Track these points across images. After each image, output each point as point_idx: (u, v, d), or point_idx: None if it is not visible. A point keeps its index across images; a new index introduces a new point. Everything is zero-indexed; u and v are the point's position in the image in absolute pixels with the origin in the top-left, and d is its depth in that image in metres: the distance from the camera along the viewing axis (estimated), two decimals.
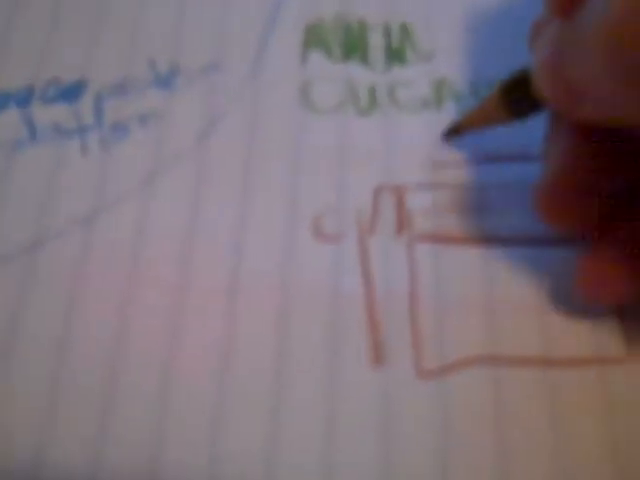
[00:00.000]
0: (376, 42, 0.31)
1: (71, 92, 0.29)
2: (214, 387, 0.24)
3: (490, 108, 0.27)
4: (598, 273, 0.24)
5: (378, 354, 0.25)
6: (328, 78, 0.31)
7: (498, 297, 0.26)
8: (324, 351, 0.25)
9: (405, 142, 0.29)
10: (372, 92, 0.30)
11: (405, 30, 0.32)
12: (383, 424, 0.24)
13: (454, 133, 0.29)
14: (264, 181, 0.28)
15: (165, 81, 0.30)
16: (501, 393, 0.24)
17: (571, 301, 0.26)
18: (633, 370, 0.25)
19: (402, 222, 0.27)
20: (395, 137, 0.29)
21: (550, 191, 0.24)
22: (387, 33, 0.32)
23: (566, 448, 0.24)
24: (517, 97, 0.26)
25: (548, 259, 0.26)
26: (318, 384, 0.24)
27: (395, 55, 0.31)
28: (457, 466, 0.23)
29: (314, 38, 0.31)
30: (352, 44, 0.31)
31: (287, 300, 0.26)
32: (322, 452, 0.23)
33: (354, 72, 0.31)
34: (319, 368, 0.25)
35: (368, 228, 0.27)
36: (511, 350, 0.25)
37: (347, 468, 0.23)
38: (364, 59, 0.31)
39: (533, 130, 0.27)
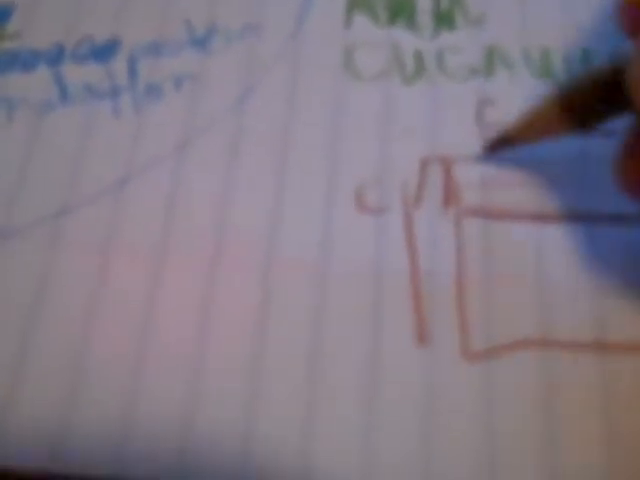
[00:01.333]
0: (424, 5, 0.30)
1: (104, 51, 0.28)
2: (249, 365, 0.23)
3: (547, 117, 0.24)
4: None
5: (422, 333, 0.23)
6: (372, 43, 0.29)
7: (550, 277, 0.24)
8: (366, 328, 0.24)
9: (453, 111, 0.27)
10: (419, 58, 0.29)
11: None
12: (426, 405, 0.23)
13: (500, 145, 0.26)
14: (303, 149, 0.27)
15: (201, 42, 0.29)
16: (551, 379, 0.23)
17: (629, 283, 0.24)
18: None
19: (449, 195, 0.26)
20: (442, 106, 0.28)
21: (632, 162, 0.22)
22: None
23: (618, 437, 0.22)
24: (586, 103, 0.23)
25: (604, 238, 0.25)
26: (359, 362, 0.23)
27: (444, 19, 0.30)
28: (502, 451, 0.22)
29: (359, 1, 0.30)
30: (398, 7, 0.30)
31: (327, 274, 0.24)
32: (363, 432, 0.22)
33: (400, 37, 0.29)
34: (361, 346, 0.23)
35: (413, 201, 0.26)
36: (563, 333, 0.23)
37: (388, 449, 0.22)
38: (411, 24, 0.30)
39: None
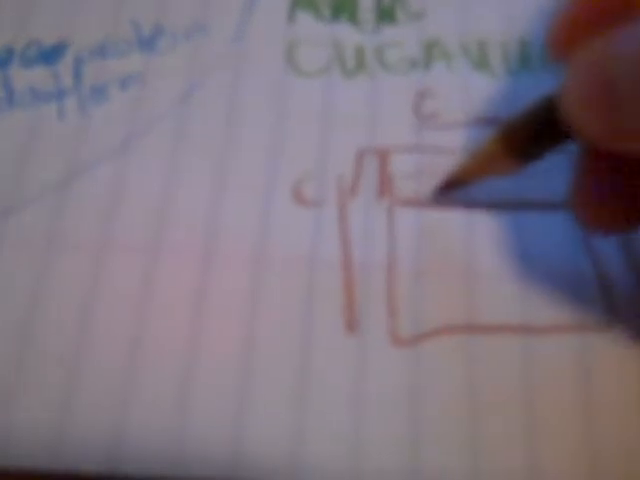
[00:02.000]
0: (366, 2, 0.30)
1: (51, 54, 0.29)
2: (185, 350, 0.24)
3: (492, 158, 0.24)
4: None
5: (352, 320, 0.24)
6: (315, 39, 0.30)
7: (479, 264, 0.25)
8: (298, 315, 0.24)
9: (391, 104, 0.28)
10: (360, 53, 0.29)
11: None
12: (355, 390, 0.23)
13: (450, 188, 0.26)
14: (244, 144, 0.27)
15: (148, 43, 0.29)
16: (477, 362, 0.23)
17: (553, 268, 0.24)
18: (612, 339, 0.24)
19: (384, 186, 0.26)
20: (381, 99, 0.28)
21: (583, 195, 0.22)
22: None
23: (541, 415, 0.23)
24: (526, 141, 0.22)
25: (531, 225, 0.25)
26: (291, 348, 0.24)
27: (385, 15, 0.30)
28: (429, 434, 0.23)
29: None
30: (341, 4, 0.30)
31: (263, 264, 0.25)
32: (293, 417, 0.23)
33: (342, 33, 0.30)
34: (293, 332, 0.24)
35: (349, 192, 0.26)
36: (489, 318, 0.24)
37: (318, 433, 0.23)
38: (353, 19, 0.30)
39: (523, 96, 0.25)
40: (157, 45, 0.29)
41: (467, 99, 0.28)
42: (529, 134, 0.22)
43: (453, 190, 0.26)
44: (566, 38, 0.20)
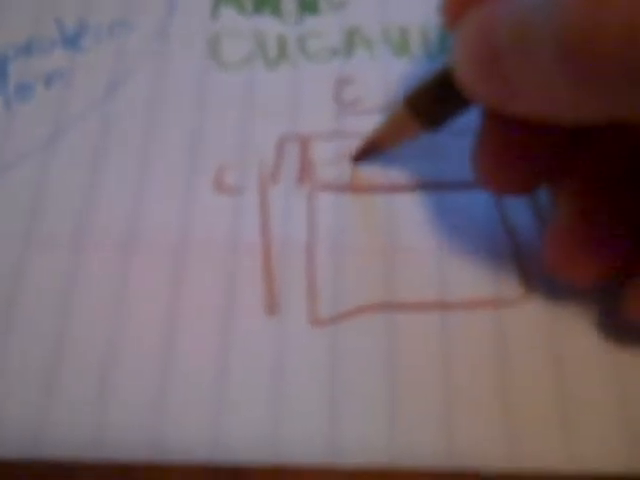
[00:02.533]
0: None
1: None
2: (107, 334, 0.24)
3: (400, 123, 0.25)
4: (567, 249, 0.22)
5: (272, 303, 0.24)
6: (238, 32, 0.30)
7: (397, 244, 0.25)
8: (219, 300, 0.25)
9: (312, 92, 0.29)
10: (282, 44, 0.30)
11: None
12: (276, 371, 0.23)
13: (365, 155, 0.27)
14: (168, 136, 0.28)
15: (72, 40, 0.30)
16: (395, 339, 0.24)
17: (469, 245, 0.25)
18: (527, 310, 0.24)
19: (305, 172, 0.27)
20: (302, 87, 0.29)
21: (485, 156, 0.23)
22: None
23: (459, 391, 0.23)
24: (428, 102, 0.23)
25: (449, 204, 0.26)
26: (212, 331, 0.24)
27: (307, 5, 0.31)
28: (348, 413, 0.23)
29: None
30: None
31: (185, 251, 0.25)
32: (214, 398, 0.23)
33: (265, 25, 0.30)
34: (214, 316, 0.24)
35: (270, 179, 0.27)
36: (408, 296, 0.24)
37: (238, 414, 0.23)
38: (276, 11, 0.31)
39: None
40: (81, 42, 0.30)
41: (387, 84, 0.28)
42: (431, 99, 0.23)
43: (369, 157, 0.26)
44: (456, 8, 0.20)
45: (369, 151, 0.26)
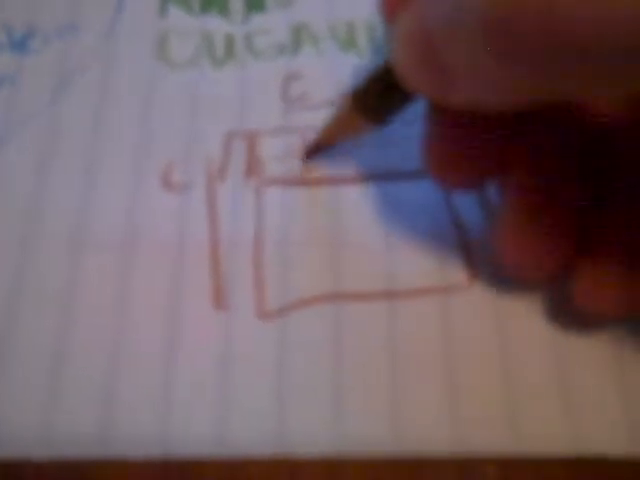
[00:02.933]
0: None
1: None
2: (55, 329, 0.24)
3: (347, 120, 0.25)
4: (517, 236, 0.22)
5: (219, 298, 0.24)
6: (185, 32, 0.30)
7: (344, 236, 0.25)
8: (167, 296, 0.25)
9: (259, 89, 0.29)
10: (229, 42, 0.30)
11: None
12: (224, 366, 0.23)
13: (315, 152, 0.27)
14: (115, 135, 0.28)
15: (20, 44, 0.30)
16: (343, 330, 0.24)
17: (416, 234, 0.25)
18: (473, 297, 0.24)
19: (252, 168, 0.27)
20: (249, 85, 0.29)
21: (434, 147, 0.23)
22: None
23: (406, 380, 0.23)
24: (373, 98, 0.24)
25: (395, 193, 0.26)
26: (160, 327, 0.24)
27: (254, 3, 0.31)
28: (296, 404, 0.23)
29: None
30: None
31: (132, 248, 0.25)
32: (162, 394, 0.23)
33: (212, 24, 0.30)
34: (161, 313, 0.24)
35: (217, 175, 0.27)
36: (355, 287, 0.24)
37: (187, 409, 0.23)
38: (223, 11, 0.31)
39: None
40: (29, 45, 0.30)
41: (335, 79, 0.28)
42: (376, 95, 0.23)
43: (317, 154, 0.26)
44: (393, 4, 0.20)
45: (318, 148, 0.26)
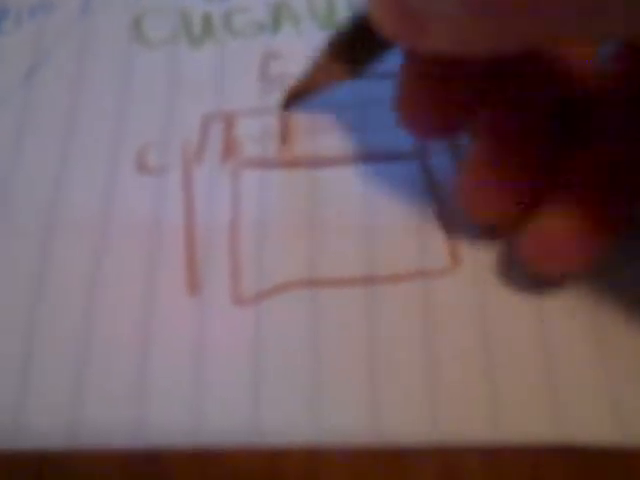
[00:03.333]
0: None
1: None
2: (26, 311, 0.24)
3: (324, 68, 0.25)
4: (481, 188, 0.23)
5: (194, 282, 0.24)
6: (162, 10, 0.29)
7: (322, 219, 0.25)
8: (141, 280, 0.24)
9: (238, 68, 0.28)
10: (207, 21, 0.29)
11: None
12: (198, 352, 0.23)
13: (293, 100, 0.26)
14: (90, 116, 0.27)
15: None
16: (319, 315, 0.23)
17: (396, 218, 0.24)
18: (455, 281, 0.24)
19: (229, 149, 0.26)
20: (228, 64, 0.28)
21: (407, 99, 0.23)
22: None
23: (386, 367, 0.23)
24: (350, 46, 0.24)
25: (373, 177, 0.25)
26: (134, 314, 0.24)
27: None
28: (271, 392, 0.22)
29: None
30: None
31: (107, 231, 0.25)
32: (135, 381, 0.23)
33: (189, 2, 0.30)
34: (135, 298, 0.24)
35: (194, 157, 0.26)
36: (333, 272, 0.24)
37: (160, 397, 0.22)
38: None
39: None
40: (1, 26, 0.29)
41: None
42: (352, 42, 0.23)
43: (296, 103, 0.26)
44: None
45: (296, 97, 0.26)
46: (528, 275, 0.23)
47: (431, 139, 0.25)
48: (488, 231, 0.24)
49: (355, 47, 0.23)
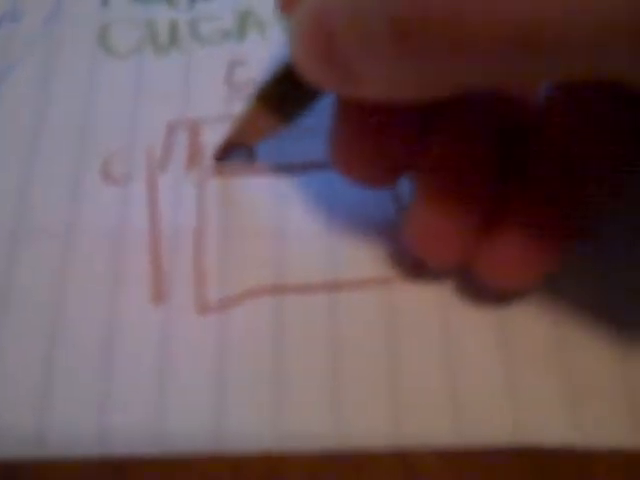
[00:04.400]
0: None
1: None
2: None
3: (255, 119, 0.24)
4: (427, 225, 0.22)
5: (159, 291, 0.24)
6: (128, 20, 0.29)
7: (286, 226, 0.25)
8: (105, 289, 0.24)
9: (203, 76, 0.28)
10: (173, 29, 0.29)
11: None
12: (162, 361, 0.23)
13: (227, 152, 0.26)
14: (55, 127, 0.27)
15: None
16: (283, 322, 0.23)
17: (359, 224, 0.25)
18: (417, 287, 0.24)
19: (194, 157, 0.26)
20: (194, 72, 0.28)
21: (341, 143, 0.22)
22: None
23: (348, 374, 0.23)
24: (279, 96, 0.23)
25: (337, 184, 0.25)
26: (98, 322, 0.24)
27: None
28: (235, 399, 0.23)
29: None
30: None
31: (71, 239, 0.25)
32: (98, 391, 0.23)
33: (156, 12, 0.30)
34: (100, 307, 0.24)
35: (158, 166, 0.26)
36: (297, 278, 0.24)
37: (123, 406, 0.22)
38: None
39: None
40: None
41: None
42: (280, 93, 0.22)
43: (230, 154, 0.26)
44: None
45: (228, 149, 0.26)
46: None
47: (369, 187, 0.24)
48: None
49: (284, 96, 0.23)
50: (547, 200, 0.21)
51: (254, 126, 0.24)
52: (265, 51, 0.29)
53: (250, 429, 0.22)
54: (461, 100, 0.20)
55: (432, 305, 0.23)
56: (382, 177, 0.22)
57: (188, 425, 0.22)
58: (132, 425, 0.22)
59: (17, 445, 0.22)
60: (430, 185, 0.21)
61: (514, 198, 0.21)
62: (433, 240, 0.22)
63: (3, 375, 0.23)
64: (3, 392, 0.22)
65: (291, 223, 0.25)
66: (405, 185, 0.25)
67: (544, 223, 0.21)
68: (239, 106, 0.27)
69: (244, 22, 0.29)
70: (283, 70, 0.22)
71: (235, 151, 0.26)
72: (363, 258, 0.24)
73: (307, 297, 0.24)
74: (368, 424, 0.22)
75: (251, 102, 0.23)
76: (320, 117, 0.24)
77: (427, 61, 0.16)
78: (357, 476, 0.21)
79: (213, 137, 0.27)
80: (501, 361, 0.22)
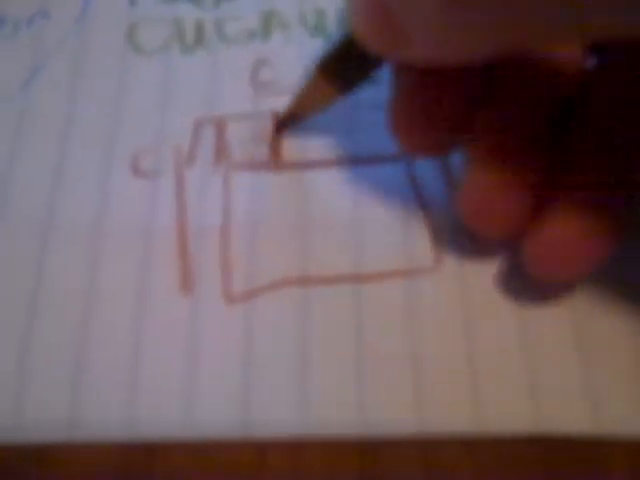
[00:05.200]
0: None
1: None
2: (23, 313, 0.24)
3: (315, 89, 0.25)
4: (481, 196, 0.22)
5: (187, 282, 0.24)
6: (156, 18, 0.30)
7: (312, 219, 0.25)
8: (134, 281, 0.25)
9: (229, 75, 0.29)
10: (199, 28, 0.30)
11: None
12: (190, 350, 0.23)
13: (285, 125, 0.27)
14: (85, 122, 0.28)
15: None
16: (309, 313, 0.24)
17: (383, 218, 0.25)
18: (439, 279, 0.24)
19: (220, 153, 0.27)
20: (219, 71, 0.29)
21: (400, 110, 0.23)
22: None
23: (372, 363, 0.24)
24: (339, 66, 0.24)
25: (361, 178, 0.26)
26: (127, 313, 0.24)
27: None
28: (263, 387, 0.23)
29: None
30: None
31: (101, 234, 0.26)
32: (130, 378, 0.23)
33: (183, 10, 0.30)
34: (128, 298, 0.25)
35: (185, 161, 0.27)
36: (322, 270, 0.25)
37: (154, 393, 0.23)
38: None
39: None
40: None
41: (303, 66, 0.28)
42: (340, 62, 0.23)
43: (289, 127, 0.27)
44: None
45: (289, 121, 0.27)
46: (534, 284, 0.24)
47: (423, 155, 0.25)
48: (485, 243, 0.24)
49: (344, 66, 0.24)
50: (594, 170, 0.21)
51: (314, 96, 0.25)
52: (289, 51, 0.29)
53: (276, 417, 0.22)
54: (511, 70, 0.21)
55: (454, 296, 0.24)
56: (437, 146, 0.23)
57: (216, 411, 0.22)
58: (161, 410, 0.22)
59: (49, 428, 0.22)
60: (484, 153, 0.22)
61: (564, 171, 0.21)
62: (487, 208, 0.22)
63: (37, 364, 0.23)
64: (36, 380, 0.23)
65: (316, 216, 0.25)
66: (455, 158, 0.26)
67: (602, 201, 0.21)
68: (264, 104, 0.28)
69: (268, 22, 0.30)
70: (342, 41, 0.23)
71: (294, 124, 0.27)
72: (387, 250, 0.25)
73: (332, 288, 0.24)
74: (391, 412, 0.22)
75: (311, 73, 0.24)
76: (332, 116, 0.25)
77: (472, 13, 0.17)
78: (378, 463, 0.22)
79: (239, 134, 0.27)
80: (523, 355, 0.23)
